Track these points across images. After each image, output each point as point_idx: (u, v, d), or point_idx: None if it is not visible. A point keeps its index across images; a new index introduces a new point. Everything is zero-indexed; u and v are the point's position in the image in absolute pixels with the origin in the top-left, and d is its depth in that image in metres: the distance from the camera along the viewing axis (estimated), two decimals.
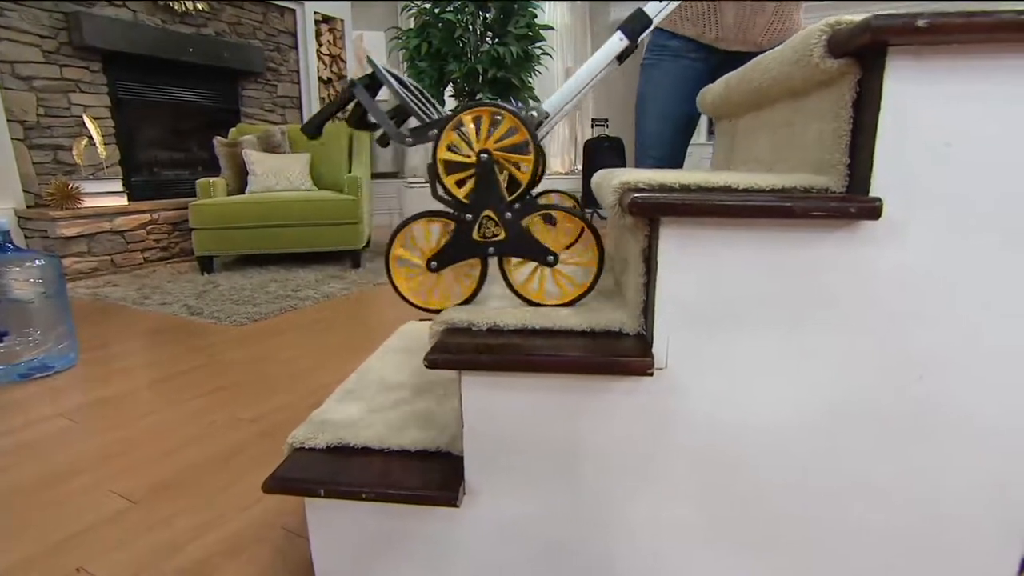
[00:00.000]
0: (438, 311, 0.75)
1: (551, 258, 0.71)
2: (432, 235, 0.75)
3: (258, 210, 3.00)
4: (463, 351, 0.63)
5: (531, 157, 0.69)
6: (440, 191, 0.72)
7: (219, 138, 3.34)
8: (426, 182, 3.62)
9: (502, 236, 0.71)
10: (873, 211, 0.54)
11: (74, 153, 3.06)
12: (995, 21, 0.49)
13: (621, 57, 0.77)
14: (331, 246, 3.13)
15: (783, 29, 1.39)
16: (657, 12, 0.74)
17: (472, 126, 0.69)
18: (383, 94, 0.74)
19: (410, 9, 3.74)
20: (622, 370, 0.59)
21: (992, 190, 0.55)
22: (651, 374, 0.59)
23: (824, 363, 0.60)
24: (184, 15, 3.69)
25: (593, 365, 0.59)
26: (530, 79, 3.71)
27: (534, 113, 0.73)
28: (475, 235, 0.71)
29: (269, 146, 3.39)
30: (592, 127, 5.48)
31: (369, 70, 0.75)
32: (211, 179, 3.16)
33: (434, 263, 0.73)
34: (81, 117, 3.16)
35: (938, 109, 0.54)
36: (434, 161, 0.70)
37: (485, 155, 0.68)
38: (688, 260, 0.59)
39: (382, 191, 5.14)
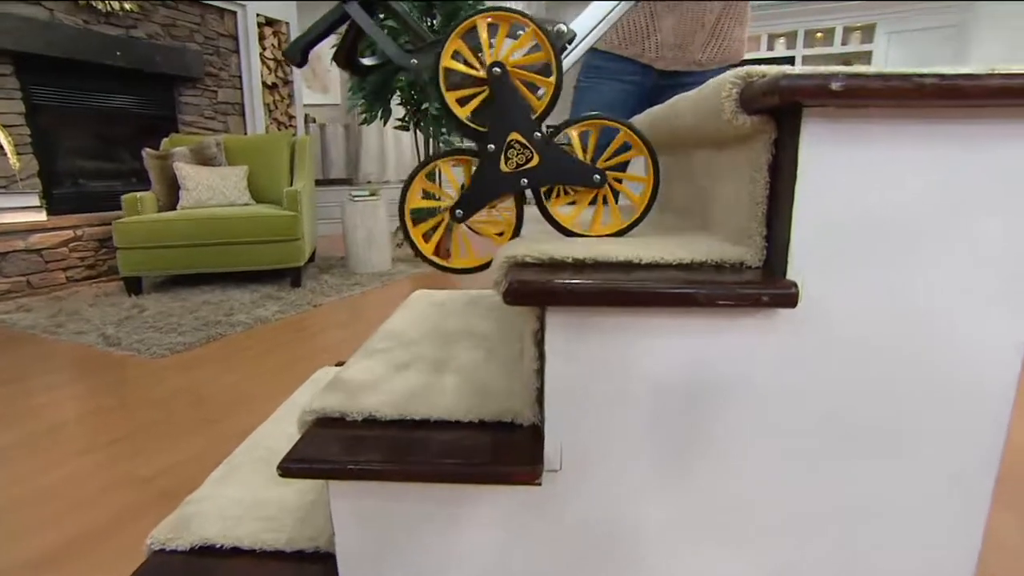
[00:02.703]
0: (463, 270, 0.65)
1: (597, 177, 0.61)
2: (457, 180, 0.63)
3: (189, 227, 2.81)
4: (325, 458, 0.53)
5: (552, 80, 0.58)
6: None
7: (149, 149, 3.13)
8: (371, 195, 3.48)
9: (536, 162, 0.59)
10: (788, 299, 0.47)
11: None
12: (915, 85, 0.42)
13: None
14: (269, 264, 2.95)
15: (722, 47, 1.33)
16: None
17: (485, 35, 0.58)
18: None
19: None
20: (506, 481, 0.50)
21: (919, 259, 0.48)
22: (539, 484, 0.50)
23: (733, 465, 0.53)
24: (109, 15, 3.45)
25: (474, 477, 0.50)
26: None
27: (563, 27, 0.62)
28: (503, 166, 0.60)
29: (203, 158, 3.20)
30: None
31: None
32: (139, 194, 2.95)
33: (459, 211, 0.62)
34: None
35: (860, 175, 0.47)
36: (436, 77, 0.58)
37: (498, 69, 0.57)
38: (579, 350, 0.50)
39: (332, 199, 4.91)
